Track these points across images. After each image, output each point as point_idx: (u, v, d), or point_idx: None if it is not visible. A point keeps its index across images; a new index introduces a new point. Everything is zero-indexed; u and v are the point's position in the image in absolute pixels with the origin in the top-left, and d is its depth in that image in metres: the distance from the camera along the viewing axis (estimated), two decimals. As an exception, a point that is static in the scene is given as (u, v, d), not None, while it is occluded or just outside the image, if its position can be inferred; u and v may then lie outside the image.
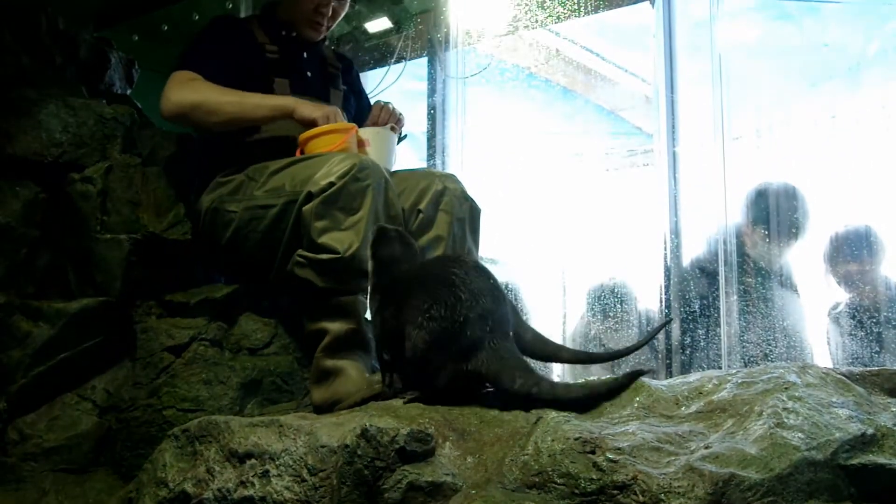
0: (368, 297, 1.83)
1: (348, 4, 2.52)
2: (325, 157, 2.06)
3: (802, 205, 2.99)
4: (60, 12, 2.72)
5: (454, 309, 1.53)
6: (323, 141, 2.14)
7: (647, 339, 1.93)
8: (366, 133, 2.24)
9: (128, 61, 2.98)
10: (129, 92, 2.96)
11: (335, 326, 1.93)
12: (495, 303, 1.58)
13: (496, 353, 1.52)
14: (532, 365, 1.57)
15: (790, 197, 3.00)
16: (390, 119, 2.41)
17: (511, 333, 1.60)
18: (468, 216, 2.19)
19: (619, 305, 3.27)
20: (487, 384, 1.59)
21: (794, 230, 2.98)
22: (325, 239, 1.93)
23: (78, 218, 2.30)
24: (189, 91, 2.21)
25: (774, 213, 2.98)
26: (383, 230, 1.84)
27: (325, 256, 1.93)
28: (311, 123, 2.16)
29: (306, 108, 2.19)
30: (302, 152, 2.18)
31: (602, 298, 3.30)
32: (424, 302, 1.57)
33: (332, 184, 1.94)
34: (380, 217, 1.98)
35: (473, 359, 1.53)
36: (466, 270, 1.59)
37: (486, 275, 1.62)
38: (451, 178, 2.22)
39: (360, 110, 2.64)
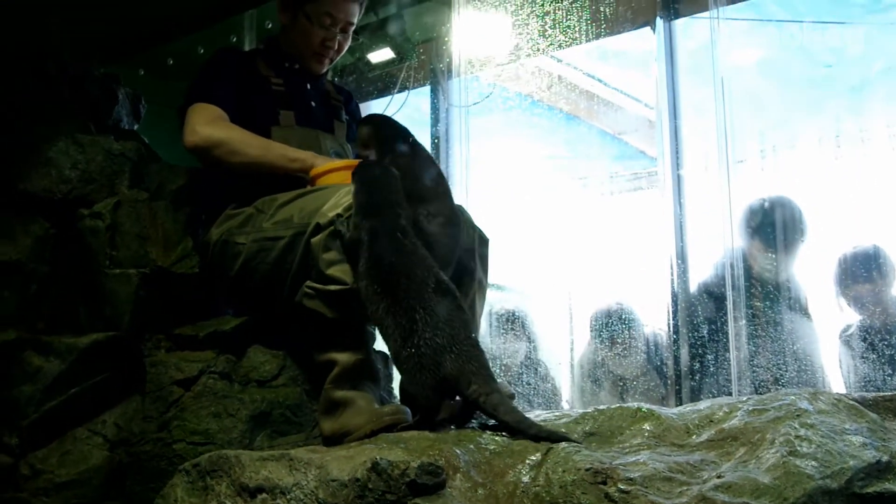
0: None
1: (351, 38, 2.56)
2: (333, 189, 2.07)
3: (798, 214, 2.98)
4: (69, 50, 2.76)
5: (413, 329, 1.67)
6: (335, 177, 2.17)
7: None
8: None
9: (134, 96, 3.01)
10: (136, 127, 2.98)
11: (344, 357, 1.93)
12: (452, 312, 1.69)
13: (458, 358, 1.63)
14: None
15: (785, 208, 3.00)
16: None
17: (474, 335, 1.72)
18: (476, 246, 2.19)
19: (626, 331, 3.25)
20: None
21: (794, 239, 2.96)
22: (333, 270, 1.94)
23: (87, 253, 2.31)
24: (217, 128, 2.25)
25: (779, 226, 2.97)
26: (366, 161, 2.05)
27: (333, 288, 1.93)
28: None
29: (323, 162, 2.22)
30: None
31: (609, 324, 3.29)
32: (390, 324, 1.71)
33: (339, 216, 1.96)
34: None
35: (442, 366, 1.62)
36: (427, 293, 1.71)
37: (445, 291, 1.73)
38: (458, 208, 2.23)
39: None
